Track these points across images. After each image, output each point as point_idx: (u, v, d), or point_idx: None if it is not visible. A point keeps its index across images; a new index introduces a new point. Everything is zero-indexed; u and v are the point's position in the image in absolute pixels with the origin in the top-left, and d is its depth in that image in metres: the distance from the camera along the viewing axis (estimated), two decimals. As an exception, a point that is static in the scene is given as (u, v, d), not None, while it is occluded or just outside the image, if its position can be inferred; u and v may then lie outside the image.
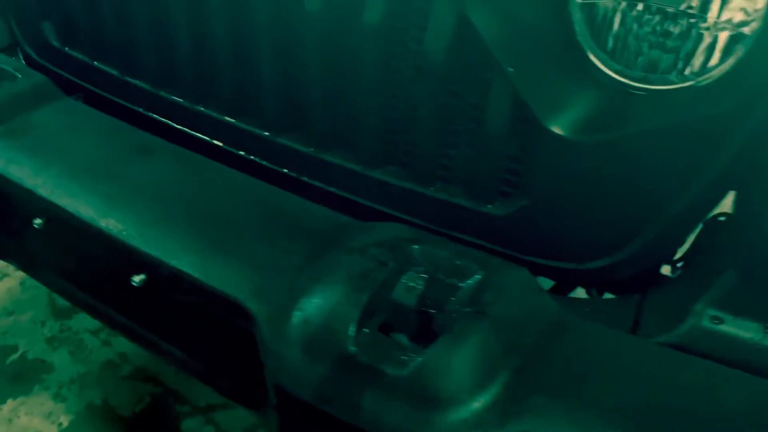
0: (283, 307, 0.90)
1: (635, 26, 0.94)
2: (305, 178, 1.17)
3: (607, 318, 0.95)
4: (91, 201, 1.06)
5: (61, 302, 2.19)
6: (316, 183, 1.16)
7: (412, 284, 0.86)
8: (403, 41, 0.98)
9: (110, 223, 1.03)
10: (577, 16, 0.94)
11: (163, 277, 0.98)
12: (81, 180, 1.10)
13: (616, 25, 0.95)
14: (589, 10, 0.94)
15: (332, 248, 0.97)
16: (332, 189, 1.15)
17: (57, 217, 1.08)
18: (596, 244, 0.96)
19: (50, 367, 1.95)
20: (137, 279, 0.99)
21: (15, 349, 2.00)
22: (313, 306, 0.89)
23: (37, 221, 1.08)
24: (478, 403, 0.78)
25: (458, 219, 1.04)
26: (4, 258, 1.31)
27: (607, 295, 1.13)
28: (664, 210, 0.91)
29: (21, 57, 1.60)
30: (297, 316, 0.88)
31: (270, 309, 0.91)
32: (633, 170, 0.91)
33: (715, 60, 0.90)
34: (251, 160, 1.24)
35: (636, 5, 0.94)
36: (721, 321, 0.85)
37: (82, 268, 1.16)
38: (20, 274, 2.29)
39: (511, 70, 0.90)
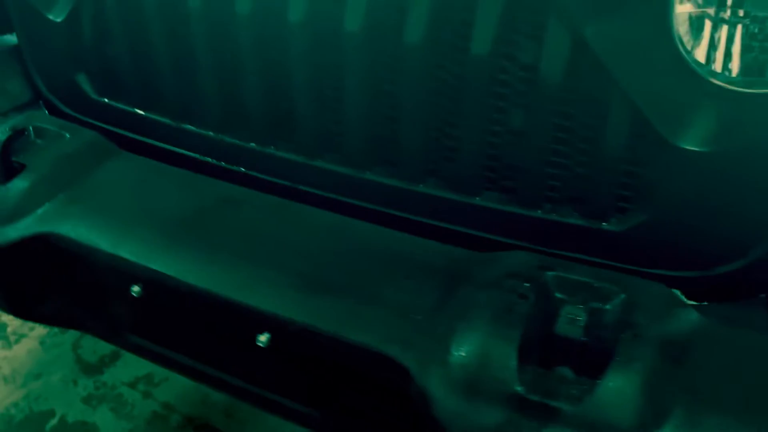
0: (432, 352, 0.88)
1: (728, 32, 0.96)
2: (398, 212, 1.14)
3: (743, 323, 0.96)
4: (195, 263, 1.01)
5: (89, 357, 2.09)
6: (412, 216, 1.13)
7: (572, 316, 0.85)
8: (507, 68, 0.97)
9: (221, 284, 0.98)
10: (677, 27, 0.95)
11: (289, 334, 0.95)
12: (176, 240, 1.05)
13: (709, 32, 0.96)
14: (688, 19, 0.95)
15: (462, 284, 0.96)
16: (428, 221, 1.13)
17: (156, 283, 1.02)
18: (723, 250, 0.97)
19: (94, 429, 1.86)
20: (263, 339, 0.95)
21: (52, 413, 1.90)
22: (465, 348, 0.87)
23: (135, 289, 1.03)
24: (667, 427, 0.78)
25: (571, 239, 1.04)
26: (79, 328, 1.24)
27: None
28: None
29: (45, 111, 1.52)
30: (453, 362, 0.86)
31: (419, 356, 0.88)
32: (751, 181, 0.93)
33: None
34: (330, 198, 1.20)
35: (724, 11, 0.96)
36: None
37: (187, 332, 1.10)
38: (38, 333, 2.18)
39: (631, 87, 0.91)
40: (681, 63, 0.94)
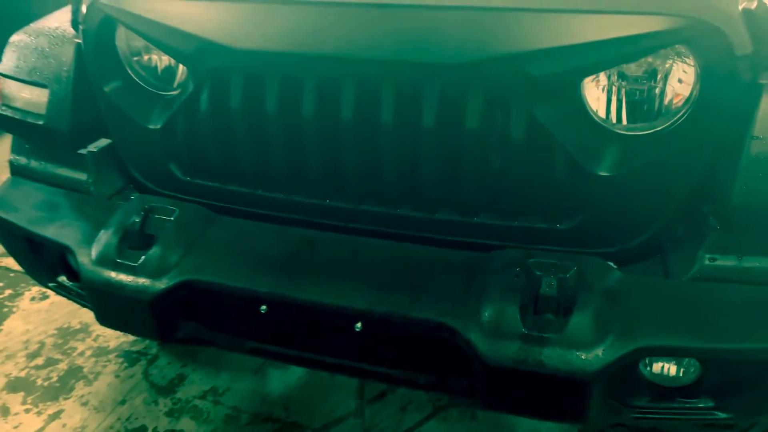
0: (470, 316, 1.44)
1: (617, 93, 1.55)
2: (422, 234, 1.70)
3: (647, 273, 1.56)
4: (304, 284, 1.54)
5: (160, 381, 2.56)
6: (433, 235, 1.69)
7: (548, 283, 1.42)
8: (489, 134, 1.54)
9: (325, 296, 1.52)
10: (586, 97, 1.54)
11: (375, 320, 1.49)
12: (284, 271, 1.57)
13: (606, 95, 1.56)
14: (592, 88, 1.55)
15: (478, 274, 1.52)
16: (444, 237, 1.68)
17: (278, 302, 1.55)
18: (630, 232, 1.57)
19: (182, 434, 2.34)
20: (358, 325, 1.49)
21: (145, 428, 2.36)
22: (489, 311, 1.44)
23: (263, 308, 1.55)
24: (610, 337, 1.36)
25: (539, 237, 1.62)
26: (205, 344, 1.73)
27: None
28: (663, 210, 1.54)
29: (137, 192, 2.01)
30: (483, 320, 1.42)
31: (462, 320, 1.44)
32: (643, 189, 1.52)
33: (669, 113, 1.52)
34: (371, 230, 1.74)
35: (613, 76, 1.55)
36: (715, 259, 1.49)
37: (299, 331, 1.62)
38: (111, 369, 2.63)
39: (565, 140, 1.50)
40: (590, 119, 1.54)
